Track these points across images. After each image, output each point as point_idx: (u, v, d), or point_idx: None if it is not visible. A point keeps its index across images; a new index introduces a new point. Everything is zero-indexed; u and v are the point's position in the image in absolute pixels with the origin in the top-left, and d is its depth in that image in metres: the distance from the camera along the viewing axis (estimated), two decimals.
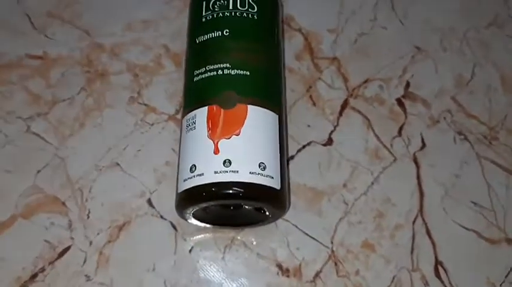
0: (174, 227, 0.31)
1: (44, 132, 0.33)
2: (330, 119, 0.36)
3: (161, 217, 0.32)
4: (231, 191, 0.26)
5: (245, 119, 0.28)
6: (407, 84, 0.38)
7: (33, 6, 0.38)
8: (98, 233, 0.31)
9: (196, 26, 0.31)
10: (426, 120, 0.37)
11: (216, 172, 0.26)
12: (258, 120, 0.28)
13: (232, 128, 0.27)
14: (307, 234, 0.32)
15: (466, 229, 0.33)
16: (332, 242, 0.32)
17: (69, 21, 0.38)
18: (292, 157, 0.34)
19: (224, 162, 0.26)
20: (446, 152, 0.36)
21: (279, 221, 0.32)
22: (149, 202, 0.32)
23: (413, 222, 0.33)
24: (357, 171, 0.34)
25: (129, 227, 0.31)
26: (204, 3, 0.32)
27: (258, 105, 0.28)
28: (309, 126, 0.36)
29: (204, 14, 0.31)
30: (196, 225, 0.30)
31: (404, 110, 0.37)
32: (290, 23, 0.40)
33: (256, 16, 0.31)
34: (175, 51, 0.37)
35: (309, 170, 0.34)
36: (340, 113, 0.36)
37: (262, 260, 0.31)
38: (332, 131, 0.36)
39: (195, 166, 0.27)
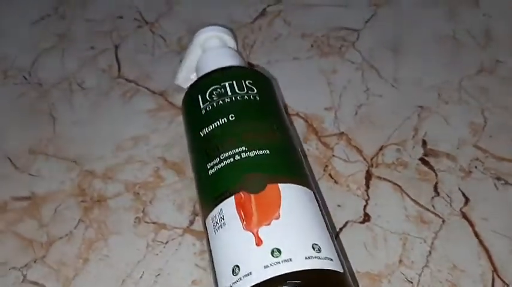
0: None
1: (43, 279, 0.28)
2: (358, 193, 0.33)
3: None
4: (292, 284, 0.21)
5: (280, 199, 0.24)
6: (424, 143, 0.36)
7: (13, 147, 0.35)
8: None
9: (196, 119, 0.29)
10: (458, 173, 0.34)
11: (266, 266, 0.21)
12: (294, 198, 0.24)
13: (270, 212, 0.23)
14: None
15: None
16: None
17: (53, 155, 0.35)
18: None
19: (272, 252, 0.22)
20: (493, 200, 0.32)
21: None
22: None
23: (493, 285, 0.28)
24: (408, 243, 0.30)
25: None
26: (200, 96, 0.29)
27: (289, 182, 0.25)
28: (339, 206, 0.32)
29: (202, 106, 0.29)
30: None
31: (432, 168, 0.34)
32: (287, 110, 0.38)
33: (258, 97, 0.29)
34: (173, 160, 0.34)
35: (355, 254, 0.29)
36: (367, 185, 0.33)
37: None
38: (365, 206, 0.32)
39: (237, 266, 0.22)
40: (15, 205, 0.32)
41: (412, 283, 0.28)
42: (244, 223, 0.23)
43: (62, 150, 0.35)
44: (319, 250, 0.22)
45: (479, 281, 0.28)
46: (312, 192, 0.26)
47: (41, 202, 0.32)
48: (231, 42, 0.37)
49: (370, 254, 0.30)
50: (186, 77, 0.38)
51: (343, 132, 0.36)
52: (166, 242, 0.30)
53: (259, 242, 0.22)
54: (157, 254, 0.29)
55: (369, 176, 0.34)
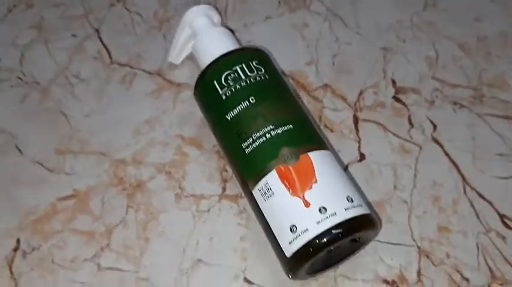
0: None
1: (116, 263, 0.33)
2: (351, 137, 0.39)
3: None
4: (341, 232, 0.27)
5: (313, 165, 0.30)
6: (394, 82, 0.42)
7: (39, 152, 0.38)
8: None
9: (219, 104, 0.33)
10: (424, 104, 0.41)
11: (318, 222, 0.28)
12: (323, 162, 0.30)
13: (308, 177, 0.29)
14: (391, 243, 0.34)
15: (506, 177, 0.37)
16: (414, 240, 0.35)
17: (80, 151, 0.38)
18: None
19: (320, 210, 0.28)
20: (454, 123, 0.40)
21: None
22: (246, 280, 0.33)
23: (464, 192, 0.37)
24: (398, 170, 0.38)
25: None
26: (215, 82, 0.33)
27: (316, 149, 0.31)
28: (338, 151, 0.38)
29: (221, 91, 0.33)
30: (302, 281, 0.31)
31: (404, 104, 0.41)
32: None
33: (268, 75, 0.34)
34: (190, 136, 0.39)
35: (360, 189, 0.37)
36: (357, 129, 0.40)
37: (368, 284, 0.33)
38: (359, 147, 0.39)
39: (294, 226, 0.28)
40: (64, 205, 0.35)
41: (406, 202, 0.36)
42: (290, 190, 0.29)
43: (86, 144, 0.38)
44: (352, 200, 0.29)
45: (454, 190, 0.37)
46: (331, 153, 0.32)
47: (85, 197, 0.36)
48: (217, 17, 0.40)
49: (371, 186, 0.37)
50: (178, 54, 0.41)
51: (326, 84, 0.42)
52: (208, 210, 0.35)
53: (307, 204, 0.29)
54: (204, 222, 0.35)
55: (356, 120, 0.40)
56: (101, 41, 0.44)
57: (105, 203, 0.35)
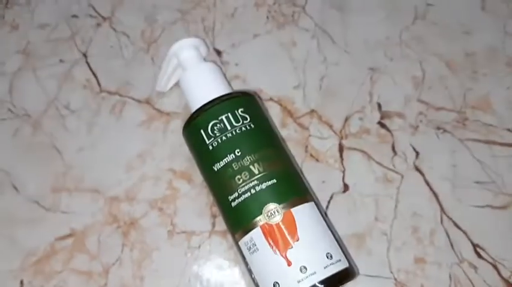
0: None
1: None
2: (336, 167, 0.41)
3: None
4: None
5: (295, 223, 0.32)
6: (379, 106, 0.43)
7: (35, 190, 0.39)
8: None
9: (206, 155, 0.34)
10: (408, 130, 0.42)
11: (299, 281, 0.30)
12: (305, 217, 0.32)
13: (290, 236, 0.31)
14: (370, 275, 0.37)
15: (481, 206, 0.39)
16: (391, 272, 0.37)
17: (74, 188, 0.39)
18: (326, 214, 0.39)
19: (301, 269, 0.30)
20: (436, 149, 0.41)
21: None
22: None
23: (441, 222, 0.39)
24: (380, 201, 0.39)
25: None
26: (202, 131, 0.34)
27: (298, 204, 0.32)
28: (323, 182, 0.40)
29: (208, 142, 0.34)
30: None
31: (388, 129, 0.42)
32: (260, 95, 0.43)
33: (253, 124, 0.35)
34: (181, 170, 0.40)
35: (343, 221, 0.39)
36: (342, 157, 0.41)
37: None
38: (343, 177, 0.40)
39: (277, 283, 0.31)
40: (62, 245, 0.37)
41: (386, 235, 0.38)
42: (274, 248, 0.31)
43: (80, 182, 0.39)
44: (331, 257, 0.31)
45: (432, 220, 0.39)
46: (314, 202, 0.34)
47: (82, 236, 0.38)
48: (204, 50, 0.40)
49: (353, 218, 0.39)
50: (166, 82, 0.42)
51: (313, 110, 0.43)
52: (199, 246, 0.38)
53: (289, 263, 0.31)
54: (196, 259, 0.37)
55: (341, 148, 0.41)
56: (89, 66, 0.44)
57: (101, 242, 0.38)
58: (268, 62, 0.45)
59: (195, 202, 0.39)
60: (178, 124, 0.41)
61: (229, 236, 0.38)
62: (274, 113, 0.42)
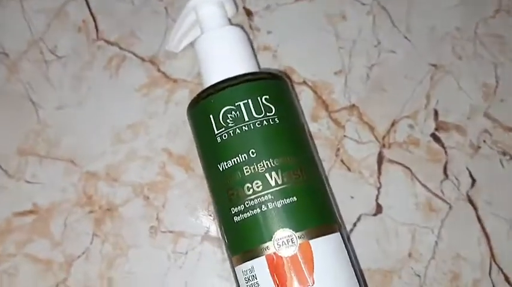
0: None
1: None
2: (370, 181, 0.33)
3: None
4: None
5: (313, 259, 0.24)
6: (436, 113, 0.34)
7: None
8: None
9: (211, 148, 0.26)
10: (467, 150, 0.34)
11: None
12: (327, 254, 0.24)
13: (304, 277, 0.24)
14: None
15: None
16: None
17: (46, 154, 0.32)
18: (348, 239, 0.31)
19: None
20: (498, 180, 0.33)
21: None
22: None
23: (489, 272, 0.31)
24: (417, 234, 0.32)
25: None
26: (212, 117, 0.26)
27: (320, 236, 0.25)
28: (352, 197, 0.32)
29: (216, 132, 0.26)
30: None
31: (443, 145, 0.34)
32: (292, 77, 0.35)
33: (277, 118, 0.26)
34: (179, 153, 0.32)
35: (368, 250, 0.31)
36: (379, 171, 0.33)
37: None
38: (377, 195, 0.32)
39: None
40: (20, 222, 0.30)
41: (419, 276, 0.31)
42: None
43: (54, 146, 0.32)
44: None
45: (478, 268, 0.31)
46: (340, 234, 0.26)
47: (46, 215, 0.30)
48: (231, 9, 0.31)
49: (381, 249, 0.31)
50: (179, 41, 0.33)
51: (354, 105, 0.34)
52: (186, 252, 0.30)
53: None
54: (180, 267, 0.30)
55: (380, 159, 0.33)
56: (88, 5, 0.35)
57: (67, 226, 0.30)
58: (308, 35, 0.36)
59: (190, 196, 0.31)
60: (185, 96, 0.33)
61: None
62: (305, 101, 0.34)
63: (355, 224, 0.32)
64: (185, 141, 0.32)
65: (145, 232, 0.30)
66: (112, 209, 0.31)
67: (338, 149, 0.33)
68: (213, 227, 0.31)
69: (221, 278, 0.30)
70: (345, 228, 0.31)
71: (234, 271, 0.26)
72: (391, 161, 0.33)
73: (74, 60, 0.34)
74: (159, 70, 0.34)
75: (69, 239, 0.30)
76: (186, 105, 0.31)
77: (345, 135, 0.34)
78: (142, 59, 0.34)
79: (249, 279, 0.25)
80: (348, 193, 0.32)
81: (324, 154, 0.33)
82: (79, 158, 0.32)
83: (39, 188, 0.31)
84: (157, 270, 0.30)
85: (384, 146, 0.33)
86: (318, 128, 0.34)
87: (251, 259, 0.24)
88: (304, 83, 0.34)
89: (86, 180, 0.31)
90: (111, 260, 0.30)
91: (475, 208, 0.32)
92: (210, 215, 0.31)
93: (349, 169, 0.33)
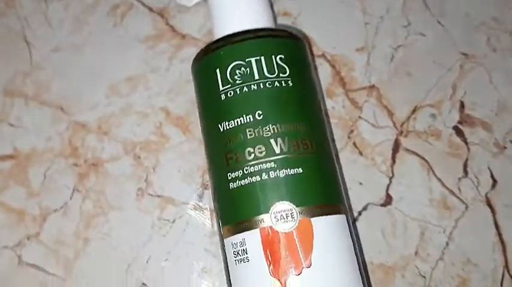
0: None
1: (41, 261, 0.26)
2: (382, 169, 0.30)
3: None
4: None
5: (313, 239, 0.21)
6: (462, 105, 0.32)
7: None
8: None
9: (214, 106, 0.24)
10: (491, 148, 0.31)
11: None
12: (328, 236, 0.22)
13: (300, 257, 0.21)
14: None
15: None
16: None
17: (34, 97, 0.29)
18: (354, 224, 0.28)
19: None
20: None
21: None
22: None
23: (501, 282, 0.28)
24: (427, 231, 0.29)
25: None
26: (219, 72, 0.24)
27: (324, 214, 0.22)
28: (361, 184, 0.29)
29: (221, 88, 0.23)
30: None
31: (465, 140, 0.31)
32: (311, 49, 0.32)
33: (291, 81, 0.24)
34: (177, 113, 0.29)
35: (372, 242, 0.28)
36: (393, 159, 0.30)
37: None
38: (388, 185, 0.29)
39: None
40: None
41: (424, 277, 0.28)
42: (271, 267, 0.21)
43: (44, 90, 0.29)
44: None
45: (489, 276, 0.28)
46: (345, 217, 0.23)
47: (26, 162, 0.28)
48: None
49: (387, 243, 0.28)
50: None
51: (374, 86, 0.31)
52: (173, 220, 0.28)
53: None
54: (164, 236, 0.27)
55: (396, 147, 0.30)
56: None
57: (48, 177, 0.28)
58: (332, 6, 0.33)
59: (184, 160, 0.29)
60: (192, 54, 0.30)
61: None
62: (322, 75, 0.31)
63: (360, 213, 0.29)
64: (186, 101, 0.29)
65: (131, 193, 0.28)
66: (98, 165, 0.28)
67: (351, 131, 0.30)
68: (206, 197, 0.28)
69: (208, 252, 0.27)
70: (350, 215, 0.28)
71: (222, 243, 0.23)
72: (408, 151, 0.30)
73: (76, 2, 0.31)
74: (167, 23, 0.31)
75: (48, 190, 0.27)
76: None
77: (360, 117, 0.31)
78: (151, 9, 0.31)
79: (238, 253, 0.22)
80: (356, 179, 0.29)
81: (336, 134, 0.30)
82: (69, 106, 0.29)
83: (22, 133, 0.28)
84: (138, 236, 0.27)
85: (401, 133, 0.31)
86: (332, 105, 0.31)
87: (243, 231, 0.22)
88: (323, 56, 0.32)
89: (74, 130, 0.29)
90: (90, 219, 0.27)
91: (493, 211, 0.30)
92: (204, 184, 0.28)
93: (361, 153, 0.30)
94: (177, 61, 0.30)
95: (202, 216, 0.28)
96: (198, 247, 0.27)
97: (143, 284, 0.26)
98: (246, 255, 0.21)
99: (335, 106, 0.31)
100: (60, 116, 0.29)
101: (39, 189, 0.27)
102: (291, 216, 0.21)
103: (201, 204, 0.28)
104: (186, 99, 0.29)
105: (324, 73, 0.31)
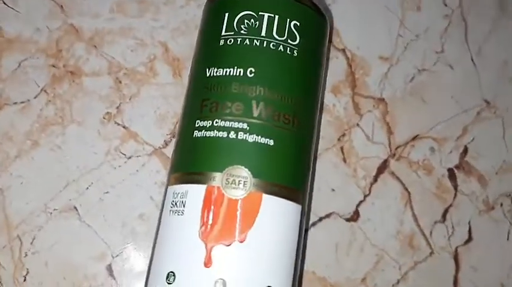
0: None
1: None
2: (361, 184, 0.28)
3: None
4: None
5: (256, 215, 0.19)
6: (465, 150, 0.30)
7: None
8: None
9: (209, 48, 0.22)
10: (479, 204, 0.29)
11: None
12: (274, 218, 0.20)
13: (235, 229, 0.19)
14: None
15: None
16: None
17: None
18: (306, 231, 0.26)
19: (216, 283, 0.18)
20: (496, 251, 0.28)
21: None
22: (109, 269, 0.24)
23: None
24: (382, 262, 0.27)
25: None
26: (227, 17, 0.22)
27: (278, 195, 0.20)
28: (333, 190, 0.27)
29: (223, 33, 0.22)
30: None
31: (456, 186, 0.29)
32: (334, 39, 0.30)
33: (297, 52, 0.22)
34: (175, 53, 0.28)
35: (322, 253, 0.26)
36: (375, 179, 0.28)
37: None
38: (361, 202, 0.28)
39: (173, 274, 0.19)
40: None
41: None
42: (203, 228, 0.19)
43: None
44: None
45: None
46: (301, 207, 0.21)
47: (5, 46, 0.26)
48: None
49: (337, 259, 0.26)
50: None
51: (383, 99, 0.29)
52: (130, 157, 0.26)
53: (208, 262, 0.19)
54: (114, 168, 0.25)
55: (383, 167, 0.28)
56: None
57: (21, 67, 0.26)
58: (372, 6, 0.31)
59: (164, 102, 0.27)
60: None
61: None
62: (335, 70, 0.29)
63: (321, 219, 0.27)
64: (188, 45, 0.28)
65: (98, 114, 0.26)
66: (76, 74, 0.26)
67: (344, 135, 0.28)
68: (170, 147, 0.26)
69: (152, 201, 0.25)
70: (308, 217, 0.26)
71: (165, 191, 0.21)
72: (393, 175, 0.28)
73: None
74: None
75: (16, 80, 0.26)
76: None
77: (358, 125, 0.29)
78: None
79: (176, 204, 0.20)
80: (330, 184, 0.27)
81: (326, 132, 0.28)
82: (70, 7, 0.27)
83: (13, 15, 0.27)
84: (88, 159, 0.25)
85: (393, 155, 0.29)
86: (333, 103, 0.29)
87: (189, 183, 0.20)
88: (343, 51, 0.30)
89: (66, 32, 0.27)
90: (46, 125, 0.25)
91: (458, 268, 0.28)
92: (174, 133, 0.26)
93: (344, 160, 0.28)
94: (194, 3, 0.29)
95: (159, 163, 0.26)
96: (143, 192, 0.25)
97: (74, 207, 0.24)
98: (182, 208, 0.20)
99: (336, 104, 0.29)
100: (57, 13, 0.27)
101: (7, 76, 0.26)
102: (243, 184, 0.19)
103: (163, 151, 0.26)
104: (189, 43, 0.28)
105: (337, 68, 0.29)
